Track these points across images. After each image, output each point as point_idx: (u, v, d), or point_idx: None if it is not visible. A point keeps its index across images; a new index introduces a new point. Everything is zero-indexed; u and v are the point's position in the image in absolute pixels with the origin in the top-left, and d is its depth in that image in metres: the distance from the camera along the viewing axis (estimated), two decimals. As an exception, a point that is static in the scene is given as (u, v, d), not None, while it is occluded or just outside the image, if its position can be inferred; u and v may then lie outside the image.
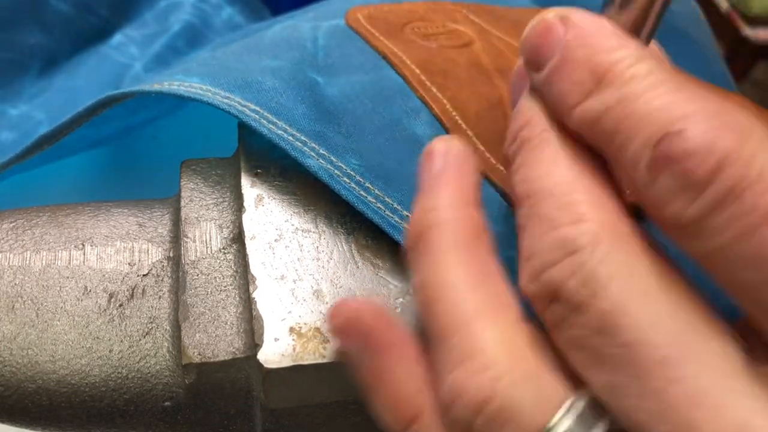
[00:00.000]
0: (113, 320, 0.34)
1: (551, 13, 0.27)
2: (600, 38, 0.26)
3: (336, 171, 0.36)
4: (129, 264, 0.36)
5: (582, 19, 0.26)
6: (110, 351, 0.33)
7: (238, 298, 0.34)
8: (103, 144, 0.51)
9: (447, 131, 0.39)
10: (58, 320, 0.34)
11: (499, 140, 0.38)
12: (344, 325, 0.29)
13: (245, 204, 0.36)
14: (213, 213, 0.37)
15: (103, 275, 0.35)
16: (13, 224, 0.37)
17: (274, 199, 0.36)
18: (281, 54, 0.42)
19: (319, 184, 0.36)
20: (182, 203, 0.37)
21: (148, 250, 0.36)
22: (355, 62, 0.43)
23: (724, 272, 0.23)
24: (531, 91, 0.29)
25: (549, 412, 0.24)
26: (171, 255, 0.36)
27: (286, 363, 0.30)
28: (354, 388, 0.31)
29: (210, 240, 0.36)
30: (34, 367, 0.33)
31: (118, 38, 0.59)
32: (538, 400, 0.24)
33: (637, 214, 0.26)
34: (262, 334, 0.31)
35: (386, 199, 0.35)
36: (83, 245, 0.36)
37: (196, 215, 0.37)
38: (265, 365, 0.30)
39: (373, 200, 0.35)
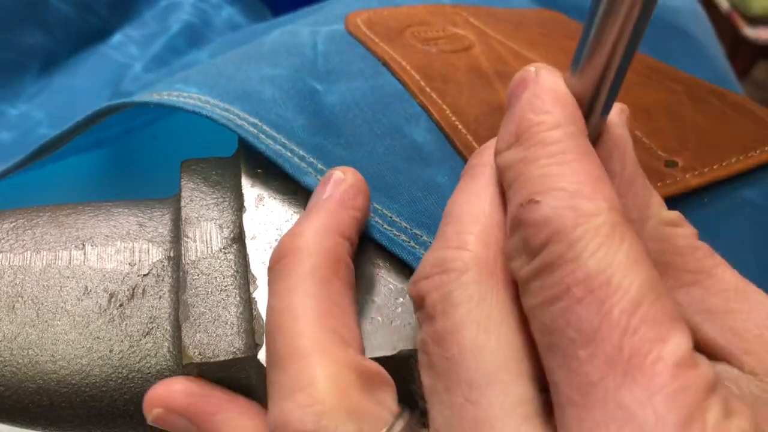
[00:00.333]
0: (114, 320, 0.34)
1: (533, 66, 0.29)
2: (539, 98, 0.28)
3: None
4: (129, 264, 0.36)
5: (545, 77, 0.28)
6: (111, 351, 0.33)
7: (238, 298, 0.34)
8: (103, 145, 0.51)
9: (447, 137, 0.39)
10: (59, 320, 0.34)
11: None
12: (162, 415, 0.31)
13: (245, 204, 0.36)
14: (213, 213, 0.37)
15: (104, 275, 0.35)
16: (14, 224, 0.37)
17: (275, 198, 0.36)
18: (281, 61, 0.42)
19: (320, 184, 0.36)
20: (182, 203, 0.37)
21: (148, 250, 0.36)
22: (355, 68, 0.43)
23: (533, 330, 0.25)
24: None
25: None
26: (171, 255, 0.36)
27: None
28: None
29: (210, 240, 0.36)
30: (35, 367, 0.33)
31: (117, 38, 0.59)
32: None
33: None
34: (262, 333, 0.31)
35: (384, 211, 0.35)
36: (84, 245, 0.36)
37: (196, 215, 0.36)
38: (266, 365, 0.30)
39: (371, 214, 0.35)
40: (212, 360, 0.32)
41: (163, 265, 0.36)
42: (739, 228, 0.37)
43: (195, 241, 0.35)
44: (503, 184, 0.28)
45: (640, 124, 0.40)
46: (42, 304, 0.34)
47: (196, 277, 0.34)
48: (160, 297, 0.35)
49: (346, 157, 0.37)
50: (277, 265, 0.30)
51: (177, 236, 0.37)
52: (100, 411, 0.33)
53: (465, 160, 0.38)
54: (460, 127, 0.39)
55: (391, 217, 0.35)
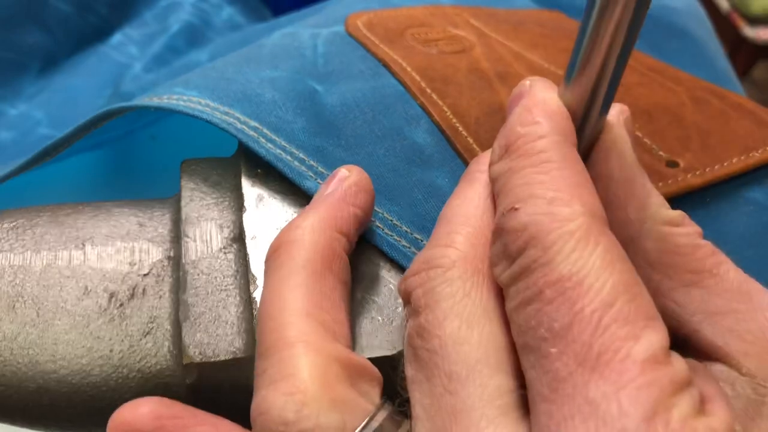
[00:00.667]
0: (114, 320, 0.34)
1: (528, 80, 0.30)
2: (529, 110, 0.29)
3: None
4: (129, 264, 0.36)
5: (537, 89, 0.29)
6: (111, 351, 0.33)
7: (238, 298, 0.34)
8: (103, 146, 0.51)
9: (447, 139, 0.39)
10: (59, 320, 0.34)
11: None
12: None
13: (246, 204, 0.36)
14: (213, 213, 0.37)
15: (104, 275, 0.35)
16: (14, 224, 0.37)
17: (275, 198, 0.36)
18: (280, 63, 0.42)
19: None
20: (183, 203, 0.37)
21: (148, 250, 0.36)
22: (355, 70, 0.43)
23: (513, 332, 0.26)
24: None
25: (351, 429, 0.27)
26: (171, 255, 0.36)
27: None
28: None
29: (210, 240, 0.36)
30: (35, 367, 0.33)
31: (117, 38, 0.59)
32: (342, 422, 0.27)
33: None
34: None
35: (385, 215, 0.35)
36: (84, 245, 0.36)
37: (196, 215, 0.36)
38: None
39: (372, 218, 0.35)
40: (212, 360, 0.32)
41: (163, 265, 0.36)
42: (742, 227, 0.37)
43: (195, 240, 0.35)
44: (494, 194, 0.29)
45: (640, 124, 0.40)
46: (42, 303, 0.34)
47: (196, 276, 0.34)
48: (160, 297, 0.35)
49: (347, 158, 0.37)
50: (272, 256, 0.31)
51: (177, 236, 0.37)
52: (100, 411, 0.33)
53: (465, 162, 0.38)
54: (460, 128, 0.39)
55: (392, 221, 0.35)
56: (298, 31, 0.46)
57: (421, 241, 0.34)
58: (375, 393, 0.29)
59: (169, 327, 0.34)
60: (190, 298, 0.33)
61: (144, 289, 0.35)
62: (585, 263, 0.24)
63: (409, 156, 0.38)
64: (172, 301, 0.35)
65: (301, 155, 0.37)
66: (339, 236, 0.32)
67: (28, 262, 0.35)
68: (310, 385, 0.27)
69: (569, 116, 0.29)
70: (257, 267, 0.33)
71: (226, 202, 0.37)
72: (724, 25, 1.72)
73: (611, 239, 0.25)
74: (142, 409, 0.30)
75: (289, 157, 0.37)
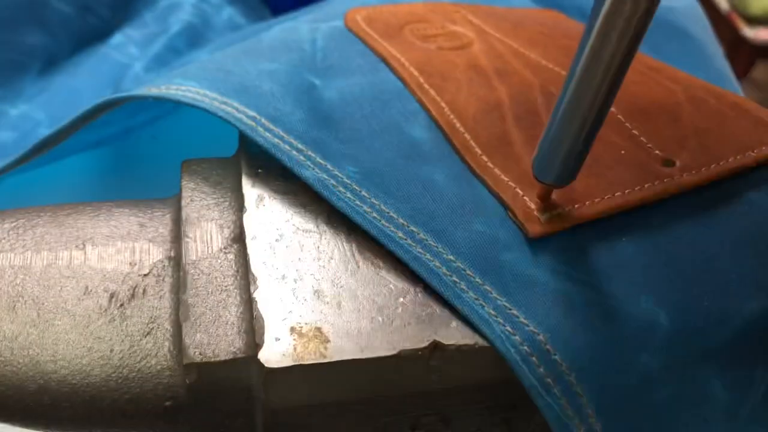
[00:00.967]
0: (114, 320, 0.34)
1: None
2: None
3: (332, 180, 0.36)
4: (130, 264, 0.36)
5: None
6: (111, 351, 0.33)
7: (239, 298, 0.34)
8: (103, 145, 0.52)
9: (445, 135, 0.39)
10: (59, 320, 0.34)
11: (497, 144, 0.38)
12: None
13: (246, 204, 0.36)
14: (214, 213, 0.37)
15: (104, 275, 0.35)
16: (14, 224, 0.37)
17: (275, 199, 0.36)
18: (279, 56, 0.42)
19: (320, 183, 0.36)
20: (183, 203, 0.37)
21: (149, 250, 0.36)
22: (354, 64, 0.43)
23: None
24: None
25: None
26: (172, 255, 0.36)
27: (287, 363, 0.30)
28: (354, 388, 0.32)
29: (211, 240, 0.36)
30: (36, 367, 0.33)
31: (118, 38, 0.59)
32: None
33: None
34: (263, 333, 0.31)
35: (382, 207, 0.35)
36: (84, 245, 0.36)
37: (196, 215, 0.37)
38: (266, 365, 0.30)
39: (369, 209, 0.35)
40: (213, 360, 0.32)
41: (164, 265, 0.36)
42: (737, 226, 0.37)
43: (195, 241, 0.36)
44: None
45: (637, 123, 0.40)
46: (42, 304, 0.34)
47: (197, 277, 0.34)
48: (160, 297, 0.35)
49: (345, 151, 0.37)
50: None
51: (177, 236, 0.37)
52: (100, 411, 0.33)
53: (462, 159, 0.38)
54: (458, 125, 0.39)
55: (388, 213, 0.35)
56: (297, 26, 0.46)
57: (418, 234, 0.34)
58: None
59: (169, 327, 0.34)
60: (190, 298, 0.33)
61: (144, 290, 0.35)
62: None
63: (407, 151, 0.38)
64: (173, 301, 0.35)
65: (300, 145, 0.37)
66: None
67: (28, 262, 0.35)
68: None
69: None
70: (257, 267, 0.33)
71: (227, 203, 0.37)
72: (723, 26, 1.71)
73: None
74: None
75: (287, 147, 0.37)
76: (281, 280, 0.33)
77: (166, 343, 0.34)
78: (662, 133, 0.40)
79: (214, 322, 0.33)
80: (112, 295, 0.35)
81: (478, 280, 0.33)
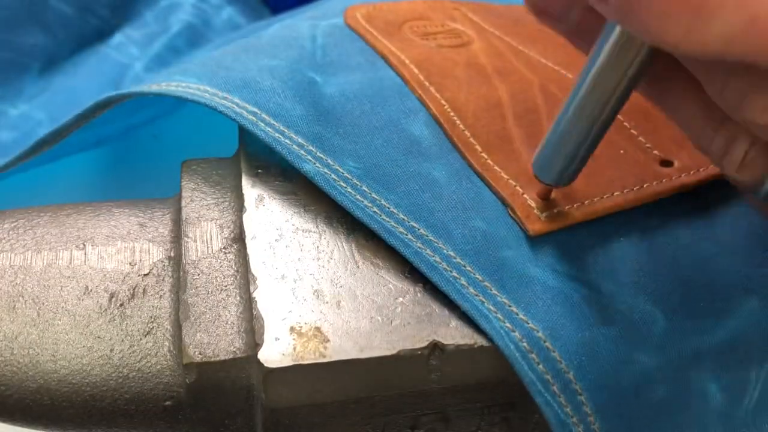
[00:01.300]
0: (114, 320, 0.34)
1: None
2: None
3: (333, 175, 0.36)
4: (130, 264, 0.36)
5: None
6: (111, 350, 0.33)
7: (238, 298, 0.34)
8: (103, 144, 0.52)
9: (444, 132, 0.39)
10: (59, 320, 0.34)
11: (497, 142, 0.38)
12: None
13: (246, 204, 0.36)
14: (214, 213, 0.37)
15: (104, 275, 0.35)
16: (15, 224, 0.37)
17: (275, 199, 0.36)
18: (279, 53, 0.42)
19: (320, 183, 0.36)
20: (183, 203, 0.37)
21: (149, 250, 0.37)
22: (354, 61, 0.43)
23: None
24: None
25: None
26: (172, 255, 0.36)
27: (287, 362, 0.30)
28: (354, 388, 0.32)
29: (211, 240, 0.36)
30: (36, 367, 0.33)
31: (118, 38, 0.59)
32: None
33: None
34: (262, 333, 0.31)
35: (382, 202, 0.35)
36: (84, 245, 0.36)
37: (196, 215, 0.37)
38: (266, 365, 0.30)
39: (369, 204, 0.35)
40: (212, 359, 0.32)
41: (164, 265, 0.36)
42: (735, 226, 0.37)
43: (195, 241, 0.36)
44: None
45: (636, 122, 0.40)
46: (43, 303, 0.34)
47: (197, 276, 0.34)
48: (160, 297, 0.35)
49: (345, 147, 0.37)
50: None
51: (177, 236, 0.37)
52: (100, 410, 0.33)
53: (462, 156, 0.38)
54: (458, 123, 0.39)
55: (389, 208, 0.35)
56: (297, 23, 0.46)
57: (418, 229, 0.34)
58: None
59: (169, 327, 0.34)
60: (190, 298, 0.33)
61: (144, 289, 0.35)
62: None
63: (407, 147, 0.38)
64: (173, 301, 0.35)
65: (300, 140, 0.37)
66: None
67: (28, 262, 0.35)
68: None
69: None
70: (257, 267, 0.33)
71: (227, 203, 0.37)
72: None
73: None
74: None
75: (287, 141, 0.37)
76: (281, 280, 0.33)
77: (166, 343, 0.34)
78: (661, 134, 0.40)
79: (213, 322, 0.33)
80: (112, 295, 0.35)
81: (478, 276, 0.33)
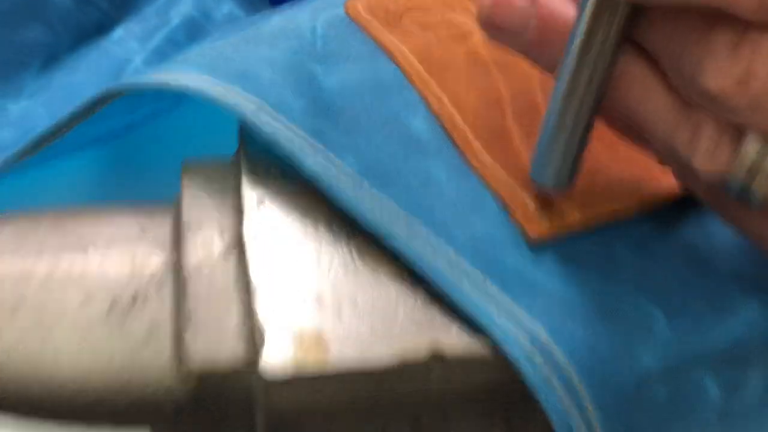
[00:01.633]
0: (115, 326, 0.34)
1: None
2: None
3: (333, 170, 0.36)
4: (131, 269, 0.36)
5: None
6: (112, 356, 0.33)
7: (239, 304, 0.34)
8: (103, 142, 0.51)
9: (443, 128, 0.39)
10: (60, 325, 0.34)
11: (496, 138, 0.38)
12: None
13: (246, 207, 0.36)
14: (214, 216, 0.37)
15: (105, 281, 0.35)
16: (15, 229, 0.37)
17: (275, 201, 0.36)
18: (279, 43, 0.42)
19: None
20: (183, 207, 0.37)
21: (149, 255, 0.36)
22: (354, 53, 0.43)
23: None
24: None
25: None
26: (172, 260, 0.36)
27: (288, 369, 0.30)
28: (355, 393, 0.32)
29: (211, 244, 0.36)
30: (36, 373, 0.33)
31: (118, 32, 0.59)
32: None
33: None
34: (263, 340, 0.31)
35: (383, 199, 0.35)
36: (85, 250, 0.36)
37: (197, 219, 0.37)
38: (267, 371, 0.30)
39: (370, 201, 0.35)
40: (213, 366, 0.32)
41: (165, 271, 0.36)
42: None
43: (196, 245, 0.35)
44: None
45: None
46: (43, 309, 0.34)
47: (197, 282, 0.34)
48: (161, 303, 0.35)
49: (345, 142, 0.37)
50: None
51: (178, 241, 0.37)
52: (101, 416, 0.33)
53: (462, 153, 0.38)
54: (458, 120, 0.39)
55: (389, 205, 0.35)
56: (296, 14, 0.46)
57: (418, 227, 0.34)
58: None
59: (169, 333, 0.34)
60: (190, 304, 0.33)
61: (145, 295, 0.35)
62: None
63: (406, 143, 0.38)
64: (173, 307, 0.35)
65: (301, 133, 0.37)
66: None
67: (29, 267, 0.35)
68: None
69: None
70: (257, 273, 0.33)
71: (227, 205, 0.37)
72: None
73: None
74: None
75: (289, 134, 0.37)
76: (281, 286, 0.33)
77: (167, 350, 0.34)
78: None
79: (214, 329, 0.33)
80: (113, 301, 0.35)
81: (479, 276, 0.33)
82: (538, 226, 0.34)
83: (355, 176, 0.36)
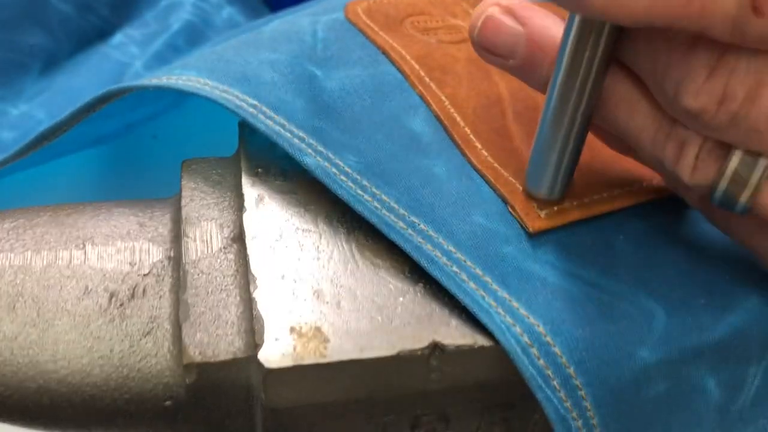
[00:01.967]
0: (114, 320, 0.34)
1: None
2: None
3: (333, 169, 0.36)
4: (130, 263, 0.36)
5: None
6: (111, 350, 0.33)
7: (238, 298, 0.34)
8: (103, 142, 0.52)
9: (445, 128, 0.39)
10: (59, 320, 0.34)
11: (496, 138, 0.38)
12: None
13: (246, 203, 0.36)
14: (214, 212, 0.37)
15: (104, 275, 0.35)
16: (14, 224, 0.37)
17: (275, 198, 0.36)
18: (280, 47, 0.42)
19: (320, 183, 0.36)
20: (183, 203, 0.37)
21: (148, 250, 0.36)
22: (354, 56, 0.43)
23: None
24: None
25: None
26: (172, 254, 0.36)
27: (287, 363, 0.30)
28: (354, 388, 0.32)
29: (211, 239, 0.36)
30: (35, 367, 0.33)
31: (118, 38, 0.59)
32: None
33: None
34: (262, 333, 0.31)
35: (383, 197, 0.35)
36: (84, 245, 0.36)
37: (196, 215, 0.37)
38: (266, 365, 0.30)
39: (370, 198, 0.35)
40: (212, 359, 0.32)
41: (164, 265, 0.36)
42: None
43: (195, 240, 0.35)
44: None
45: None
46: (42, 303, 0.34)
47: (197, 276, 0.34)
48: (160, 297, 0.35)
49: (346, 141, 0.37)
50: None
51: (177, 236, 0.37)
52: (100, 411, 0.33)
53: (462, 152, 0.38)
54: (458, 119, 0.39)
55: (389, 203, 0.35)
56: (297, 18, 0.46)
57: (419, 224, 0.34)
58: None
59: (169, 327, 0.34)
60: (190, 298, 0.33)
61: (144, 289, 0.35)
62: None
63: (407, 143, 0.38)
64: (172, 301, 0.35)
65: (301, 133, 0.37)
66: None
67: (28, 262, 0.35)
68: None
69: None
70: (257, 267, 0.33)
71: (227, 202, 0.37)
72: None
73: None
74: None
75: (288, 134, 0.37)
76: (281, 280, 0.33)
77: (166, 343, 0.34)
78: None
79: (213, 322, 0.33)
80: (112, 295, 0.35)
81: (478, 271, 0.33)
82: (538, 221, 0.35)
83: (356, 175, 0.36)
